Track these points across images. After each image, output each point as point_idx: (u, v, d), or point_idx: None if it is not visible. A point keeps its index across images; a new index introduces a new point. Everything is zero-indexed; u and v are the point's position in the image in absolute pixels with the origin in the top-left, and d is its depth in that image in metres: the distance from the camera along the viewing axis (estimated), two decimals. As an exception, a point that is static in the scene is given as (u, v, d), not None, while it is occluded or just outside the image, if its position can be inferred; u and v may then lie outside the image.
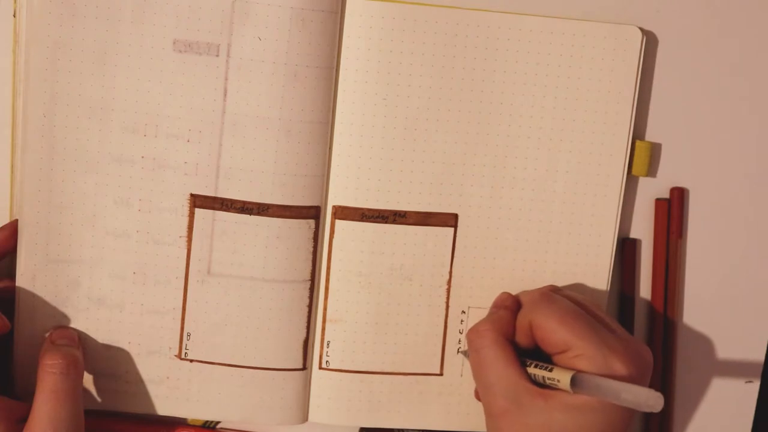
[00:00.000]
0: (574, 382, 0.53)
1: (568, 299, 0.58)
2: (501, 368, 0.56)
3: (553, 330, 0.55)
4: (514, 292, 0.61)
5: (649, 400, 0.50)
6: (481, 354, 0.57)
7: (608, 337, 0.54)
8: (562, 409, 0.53)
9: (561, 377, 0.53)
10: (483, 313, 0.62)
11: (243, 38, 0.58)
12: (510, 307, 0.59)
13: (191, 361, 0.61)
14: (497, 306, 0.61)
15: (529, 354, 0.57)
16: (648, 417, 0.65)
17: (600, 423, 0.53)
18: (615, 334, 0.56)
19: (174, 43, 0.58)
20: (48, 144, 0.58)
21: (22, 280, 0.60)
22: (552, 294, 0.58)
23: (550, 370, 0.54)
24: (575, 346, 0.54)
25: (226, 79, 0.58)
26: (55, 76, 0.58)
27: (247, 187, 0.59)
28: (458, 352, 0.63)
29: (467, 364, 0.63)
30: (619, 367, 0.53)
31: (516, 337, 0.58)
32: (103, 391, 0.61)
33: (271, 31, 0.57)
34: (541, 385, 0.55)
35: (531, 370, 0.56)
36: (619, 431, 0.54)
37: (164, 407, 0.61)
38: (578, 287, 0.63)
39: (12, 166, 0.60)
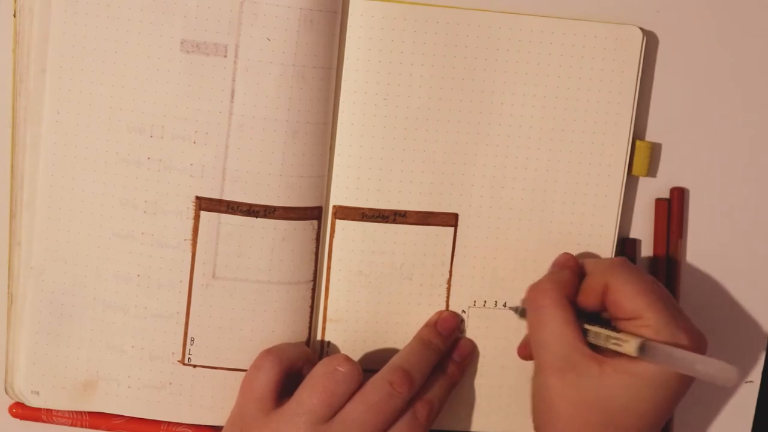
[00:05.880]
0: (643, 348, 0.53)
1: None
2: (559, 327, 0.55)
3: (629, 296, 0.55)
4: (515, 291, 0.61)
5: (725, 372, 0.49)
6: (542, 312, 0.56)
7: (677, 314, 0.55)
8: (615, 375, 0.54)
9: (629, 339, 0.53)
10: (483, 313, 0.62)
11: (251, 39, 0.57)
12: (573, 268, 0.59)
13: (194, 366, 0.61)
14: (559, 265, 0.60)
15: (587, 317, 0.57)
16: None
17: (652, 395, 0.54)
18: (680, 312, 0.56)
19: (182, 43, 0.58)
20: (55, 142, 0.58)
21: (27, 278, 0.60)
22: (630, 262, 0.58)
23: (618, 331, 0.55)
24: (646, 316, 0.54)
25: (234, 80, 0.58)
26: (62, 75, 0.58)
27: (253, 190, 0.59)
28: (505, 306, 0.62)
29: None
30: (686, 343, 0.53)
31: (582, 298, 0.57)
32: (103, 395, 0.61)
33: (279, 32, 0.57)
34: (597, 348, 0.55)
35: (594, 328, 0.56)
36: (668, 406, 0.55)
37: (165, 413, 0.61)
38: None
39: (12, 166, 0.59)
